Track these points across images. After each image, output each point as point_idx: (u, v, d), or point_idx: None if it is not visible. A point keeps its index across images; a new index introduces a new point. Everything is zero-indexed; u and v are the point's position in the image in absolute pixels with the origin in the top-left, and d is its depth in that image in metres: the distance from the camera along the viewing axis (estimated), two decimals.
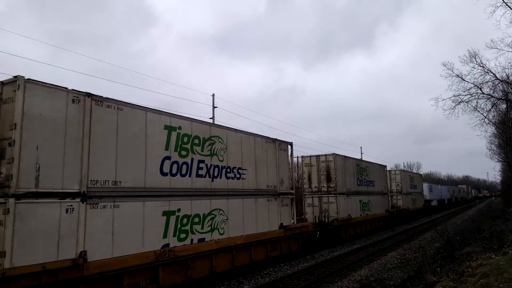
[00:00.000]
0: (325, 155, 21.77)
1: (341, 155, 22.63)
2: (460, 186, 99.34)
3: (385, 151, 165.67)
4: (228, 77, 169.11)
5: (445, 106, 26.48)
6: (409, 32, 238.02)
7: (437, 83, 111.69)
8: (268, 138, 15.59)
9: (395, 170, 37.99)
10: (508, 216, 21.30)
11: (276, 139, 16.08)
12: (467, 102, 25.08)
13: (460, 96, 24.98)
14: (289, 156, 16.93)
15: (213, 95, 33.21)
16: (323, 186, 21.64)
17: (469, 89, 24.81)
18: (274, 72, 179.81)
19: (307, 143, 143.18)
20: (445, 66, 25.24)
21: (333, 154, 21.61)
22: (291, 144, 17.11)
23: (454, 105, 25.10)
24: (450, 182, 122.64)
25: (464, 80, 24.74)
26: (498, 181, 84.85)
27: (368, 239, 23.06)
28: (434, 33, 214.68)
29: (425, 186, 48.36)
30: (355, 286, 11.72)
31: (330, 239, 20.30)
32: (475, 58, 24.06)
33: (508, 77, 24.22)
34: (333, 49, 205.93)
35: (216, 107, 33.02)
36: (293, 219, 16.48)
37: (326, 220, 20.64)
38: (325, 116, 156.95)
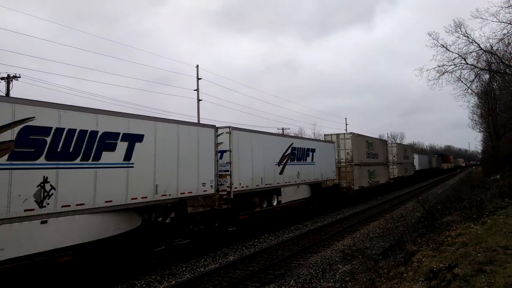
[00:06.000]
0: None
1: None
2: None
3: (372, 123, 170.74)
4: (226, 50, 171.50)
5: (430, 76, 24.97)
6: (404, 6, 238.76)
7: (426, 56, 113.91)
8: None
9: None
10: (487, 186, 20.75)
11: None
12: (451, 72, 24.60)
13: (444, 66, 24.41)
14: None
15: (197, 66, 32.67)
16: None
17: (453, 59, 24.25)
18: (272, 47, 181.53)
19: (294, 115, 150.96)
20: (430, 35, 24.54)
21: None
22: None
23: (438, 75, 24.55)
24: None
25: (448, 50, 24.22)
26: (479, 150, 77.62)
27: None
28: (427, 6, 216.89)
29: None
30: (338, 255, 12.02)
31: None
32: (460, 28, 23.42)
33: (492, 47, 23.89)
34: (332, 25, 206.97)
35: (200, 78, 32.68)
36: None
37: None
38: (318, 88, 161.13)
